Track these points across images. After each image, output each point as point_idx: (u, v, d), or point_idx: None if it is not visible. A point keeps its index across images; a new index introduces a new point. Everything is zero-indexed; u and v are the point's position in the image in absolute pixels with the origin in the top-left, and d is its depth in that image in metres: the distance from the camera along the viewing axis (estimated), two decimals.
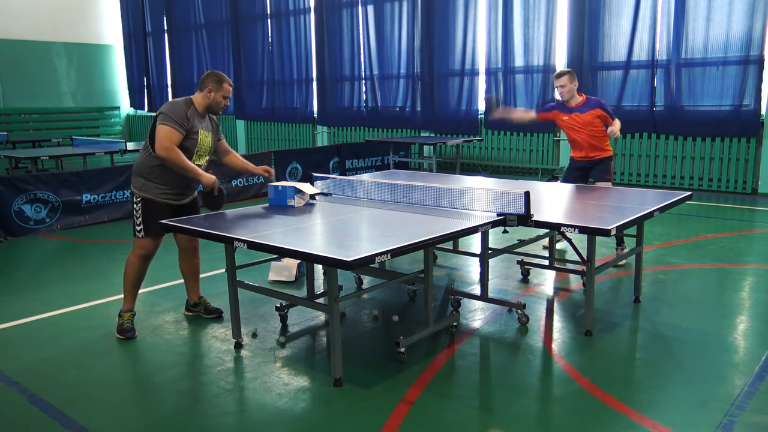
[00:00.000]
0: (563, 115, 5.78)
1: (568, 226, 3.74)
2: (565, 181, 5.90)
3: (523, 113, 6.52)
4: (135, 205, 4.24)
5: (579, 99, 5.73)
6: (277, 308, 4.45)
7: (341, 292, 4.76)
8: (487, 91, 12.11)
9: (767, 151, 9.59)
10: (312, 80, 15.14)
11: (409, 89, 13.41)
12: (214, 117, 4.46)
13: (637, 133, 10.57)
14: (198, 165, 4.26)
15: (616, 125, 5.45)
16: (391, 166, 11.80)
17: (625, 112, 10.54)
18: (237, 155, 4.69)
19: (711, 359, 3.75)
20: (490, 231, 4.21)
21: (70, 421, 3.19)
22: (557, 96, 5.86)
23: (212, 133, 4.38)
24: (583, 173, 5.83)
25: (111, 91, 20.40)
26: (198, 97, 4.25)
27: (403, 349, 3.74)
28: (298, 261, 5.24)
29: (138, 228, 4.24)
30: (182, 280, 4.67)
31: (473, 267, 5.75)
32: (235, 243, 3.47)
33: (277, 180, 4.33)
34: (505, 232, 5.35)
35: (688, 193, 4.70)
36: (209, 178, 4.19)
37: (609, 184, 5.63)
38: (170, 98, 18.42)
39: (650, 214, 4.13)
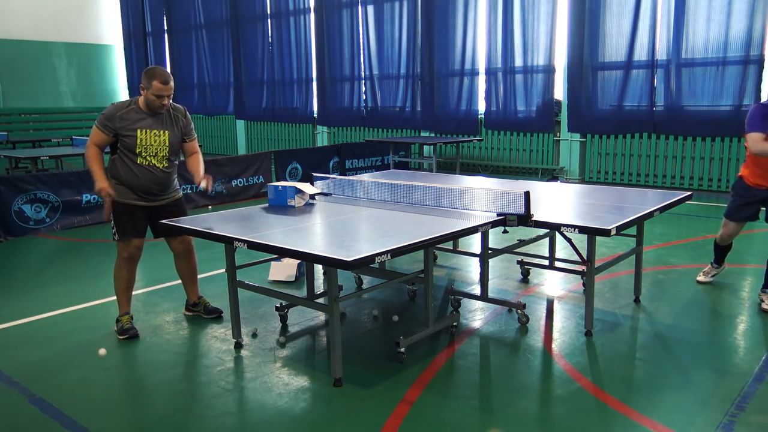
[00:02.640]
0: None
1: (568, 226, 3.74)
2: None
3: None
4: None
5: None
6: (277, 308, 4.45)
7: (341, 292, 4.76)
8: None
9: None
10: (312, 80, 15.13)
11: (409, 89, 13.40)
12: (179, 116, 4.29)
13: (637, 133, 10.58)
14: (152, 165, 4.16)
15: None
16: (391, 166, 11.80)
17: (625, 112, 10.55)
18: (197, 160, 4.43)
19: (711, 359, 3.75)
20: (490, 231, 4.21)
21: (70, 421, 3.19)
22: None
23: (171, 132, 4.22)
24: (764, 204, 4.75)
25: (111, 91, 20.40)
26: (141, 96, 4.15)
27: (403, 349, 3.74)
28: (298, 261, 5.24)
29: (113, 231, 4.24)
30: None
31: (473, 267, 5.75)
32: (235, 243, 3.47)
33: (277, 180, 4.33)
34: (505, 232, 5.35)
35: (688, 193, 4.70)
36: (98, 186, 4.04)
37: None
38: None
39: (650, 214, 4.12)
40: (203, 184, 4.25)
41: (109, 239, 4.59)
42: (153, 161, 4.18)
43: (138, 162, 4.14)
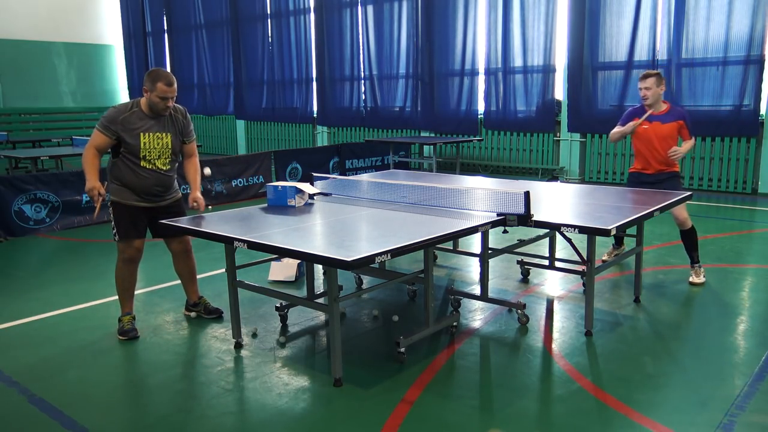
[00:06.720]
0: (644, 123, 5.12)
1: (568, 226, 3.74)
2: None
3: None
4: (109, 209, 4.23)
5: (663, 107, 5.11)
6: (277, 308, 4.45)
7: (341, 292, 4.76)
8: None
9: (767, 151, 9.59)
10: (312, 80, 15.14)
11: (409, 89, 13.41)
12: (179, 117, 4.27)
13: None
14: (155, 168, 4.15)
15: (686, 146, 5.02)
16: (391, 166, 11.79)
17: None
18: (193, 167, 4.42)
19: (711, 359, 3.75)
20: (490, 231, 4.21)
21: (70, 421, 3.18)
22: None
23: (173, 135, 4.22)
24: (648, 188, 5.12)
25: (111, 91, 20.40)
26: (143, 98, 4.13)
27: (403, 349, 3.74)
28: (298, 261, 5.24)
29: (113, 232, 4.23)
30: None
31: (473, 267, 5.75)
32: (235, 243, 3.47)
33: (277, 180, 4.35)
34: (505, 232, 5.34)
35: (688, 193, 4.70)
36: (89, 185, 3.98)
37: (682, 208, 5.01)
38: None
39: (650, 214, 4.13)
40: (194, 205, 4.24)
41: (109, 239, 4.59)
42: (157, 164, 4.18)
43: (141, 165, 4.12)
